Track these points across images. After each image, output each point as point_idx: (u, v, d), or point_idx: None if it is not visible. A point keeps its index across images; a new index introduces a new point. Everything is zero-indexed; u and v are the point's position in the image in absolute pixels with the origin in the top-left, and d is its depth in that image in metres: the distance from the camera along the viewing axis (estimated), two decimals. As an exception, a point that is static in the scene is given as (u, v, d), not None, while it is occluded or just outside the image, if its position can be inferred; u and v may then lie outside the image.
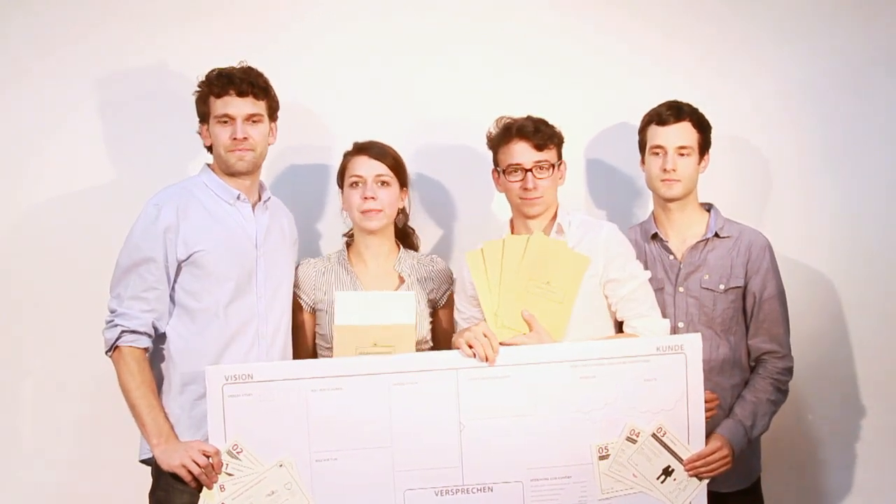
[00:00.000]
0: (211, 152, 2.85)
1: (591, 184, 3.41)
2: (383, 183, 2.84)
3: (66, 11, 3.30)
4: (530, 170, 2.77)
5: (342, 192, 2.91)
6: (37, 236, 3.27)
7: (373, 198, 2.81)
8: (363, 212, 2.82)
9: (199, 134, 2.86)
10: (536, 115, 2.85)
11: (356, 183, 2.84)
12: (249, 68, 2.82)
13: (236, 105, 2.75)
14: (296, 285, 2.91)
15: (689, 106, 2.94)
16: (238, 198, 2.80)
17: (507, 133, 2.81)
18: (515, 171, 2.79)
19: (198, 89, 2.82)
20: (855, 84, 3.35)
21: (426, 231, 3.15)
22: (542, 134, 2.78)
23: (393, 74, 3.38)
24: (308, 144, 3.35)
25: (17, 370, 3.30)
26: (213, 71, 2.80)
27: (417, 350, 2.71)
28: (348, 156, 2.91)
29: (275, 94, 2.86)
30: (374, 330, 2.61)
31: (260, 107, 2.79)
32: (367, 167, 2.84)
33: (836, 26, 3.35)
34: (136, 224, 2.73)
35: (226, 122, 2.76)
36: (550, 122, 2.83)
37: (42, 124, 3.29)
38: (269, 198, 2.90)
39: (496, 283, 2.67)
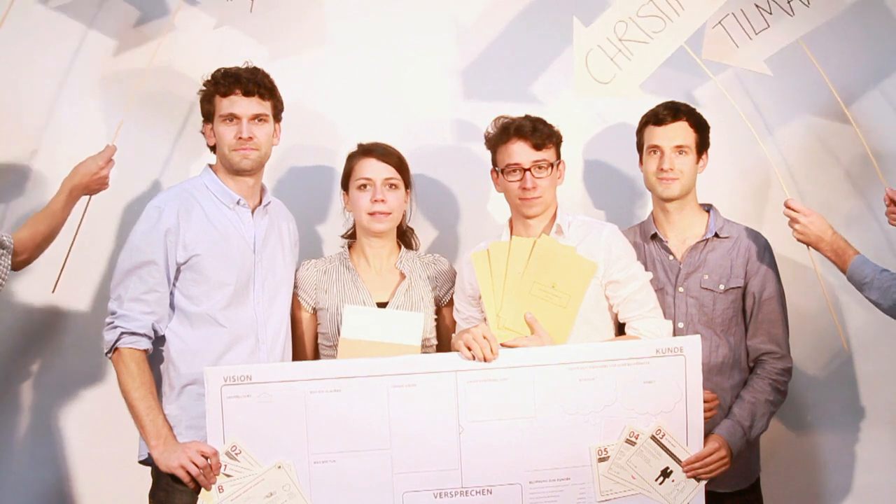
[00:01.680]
0: (214, 152, 2.85)
1: (590, 184, 3.41)
2: (392, 186, 2.84)
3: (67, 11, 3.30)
4: (529, 169, 2.77)
5: (346, 194, 2.91)
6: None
7: (382, 201, 2.81)
8: (372, 214, 2.82)
9: (203, 133, 2.86)
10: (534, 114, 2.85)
11: (365, 185, 2.84)
12: (255, 68, 2.82)
13: (242, 105, 2.76)
14: (297, 286, 2.91)
15: (687, 106, 2.94)
16: (238, 202, 2.80)
17: (505, 133, 2.81)
18: (514, 171, 2.79)
19: (203, 88, 2.82)
20: (855, 84, 3.34)
21: (421, 231, 3.15)
22: (540, 133, 2.78)
23: (390, 74, 3.38)
24: (308, 145, 3.35)
25: (17, 370, 3.30)
26: (219, 70, 2.81)
27: (422, 350, 2.71)
28: (354, 158, 2.90)
29: (280, 95, 2.86)
30: (380, 347, 2.62)
31: (266, 107, 2.80)
32: (376, 170, 2.84)
33: (837, 26, 3.34)
34: (138, 226, 2.74)
35: (231, 121, 2.76)
36: (548, 122, 2.82)
37: (43, 124, 3.28)
38: (270, 201, 2.90)
39: (500, 285, 2.67)
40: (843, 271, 2.84)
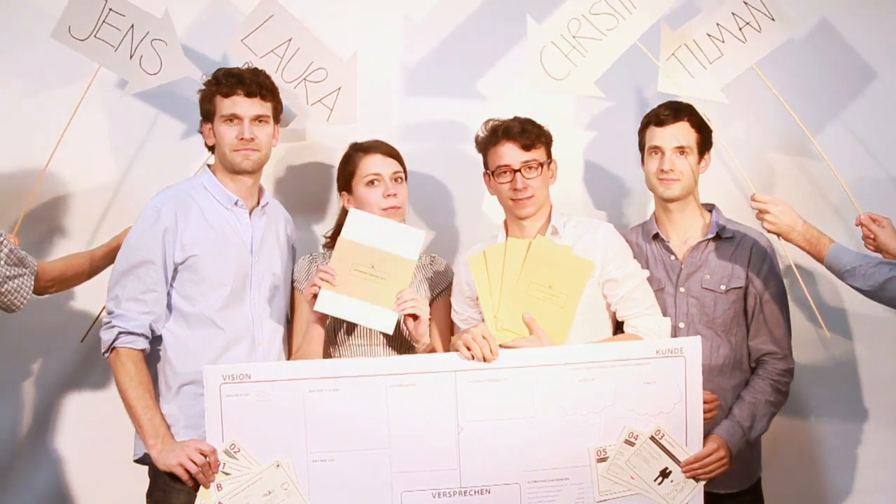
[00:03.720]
0: (212, 151, 2.85)
1: (591, 185, 3.41)
2: (399, 179, 2.86)
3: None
4: (519, 170, 2.76)
5: (348, 195, 2.89)
6: (37, 236, 3.26)
7: (394, 195, 2.81)
8: (385, 209, 2.81)
9: (201, 132, 2.86)
10: (537, 116, 2.84)
11: (374, 181, 2.83)
12: (257, 69, 2.83)
13: (244, 105, 2.76)
14: (296, 279, 2.90)
15: (688, 106, 2.92)
16: (236, 203, 2.80)
17: (494, 135, 2.80)
18: (504, 173, 2.78)
19: (203, 87, 2.82)
20: (856, 84, 3.34)
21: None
22: (528, 134, 2.77)
23: (386, 75, 3.37)
24: (306, 145, 3.35)
25: (17, 370, 3.31)
26: (219, 70, 2.81)
27: (417, 351, 2.71)
28: (356, 156, 2.89)
29: (280, 97, 2.87)
30: (377, 253, 2.64)
31: (267, 108, 2.80)
32: (384, 165, 2.84)
33: (838, 26, 3.33)
34: (136, 226, 2.75)
35: (232, 121, 2.76)
36: (538, 122, 2.82)
37: (43, 123, 3.27)
38: (268, 202, 2.90)
39: (497, 286, 2.67)
40: (820, 260, 2.78)
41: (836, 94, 3.36)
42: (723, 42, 2.97)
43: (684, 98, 2.94)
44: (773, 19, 2.97)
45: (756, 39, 2.98)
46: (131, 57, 2.98)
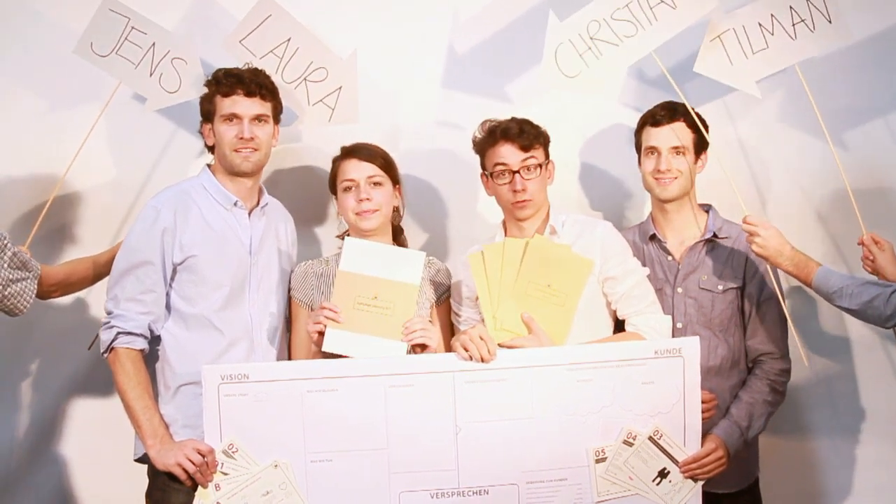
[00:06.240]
0: (212, 152, 2.85)
1: (587, 186, 3.41)
2: (375, 183, 2.83)
3: (69, 11, 3.27)
4: (517, 171, 2.76)
5: (336, 198, 2.90)
6: (37, 236, 3.25)
7: (367, 199, 2.80)
8: (358, 213, 2.81)
9: (201, 133, 2.86)
10: (536, 117, 2.84)
11: (349, 187, 2.83)
12: (257, 69, 2.84)
13: (244, 105, 2.76)
14: (293, 287, 2.89)
15: (684, 106, 2.93)
16: (235, 204, 2.80)
17: (492, 136, 2.80)
18: (503, 174, 2.78)
19: (203, 88, 2.82)
20: (856, 84, 3.34)
21: (412, 234, 3.14)
22: (527, 135, 2.77)
23: (383, 76, 3.36)
24: (307, 146, 3.35)
25: (17, 370, 3.30)
26: (219, 70, 2.82)
27: (417, 351, 2.70)
28: (338, 161, 2.89)
29: (280, 97, 2.87)
30: (378, 283, 2.62)
31: (267, 108, 2.81)
32: (358, 170, 2.83)
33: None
34: (135, 226, 2.75)
35: (232, 121, 2.77)
36: (535, 122, 2.81)
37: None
38: (267, 203, 2.90)
39: (496, 286, 2.66)
40: (808, 284, 2.78)
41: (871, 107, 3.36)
42: (772, 35, 2.94)
43: (717, 81, 2.94)
44: (830, 22, 2.93)
45: (806, 39, 2.95)
46: (151, 74, 2.99)
